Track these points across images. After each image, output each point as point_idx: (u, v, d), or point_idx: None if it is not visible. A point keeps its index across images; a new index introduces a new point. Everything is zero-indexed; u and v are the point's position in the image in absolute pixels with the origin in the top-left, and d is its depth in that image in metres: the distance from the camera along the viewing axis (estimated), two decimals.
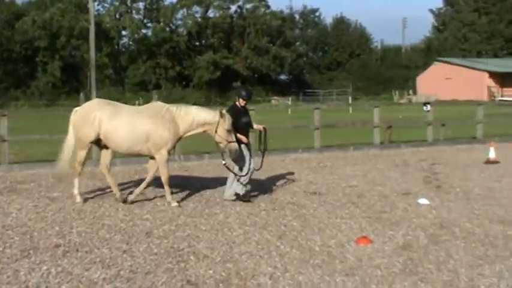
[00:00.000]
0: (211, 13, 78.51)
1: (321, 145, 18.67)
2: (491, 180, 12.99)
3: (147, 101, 54.12)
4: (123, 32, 76.00)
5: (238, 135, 10.46)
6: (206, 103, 62.40)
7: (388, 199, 10.94)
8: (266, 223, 9.04)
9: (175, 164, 15.09)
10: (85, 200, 10.60)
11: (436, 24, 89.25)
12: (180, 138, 10.65)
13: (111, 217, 9.44)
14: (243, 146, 10.61)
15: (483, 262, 7.09)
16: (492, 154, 15.97)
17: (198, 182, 12.66)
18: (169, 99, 54.38)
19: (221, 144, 10.39)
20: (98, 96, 38.00)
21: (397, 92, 68.19)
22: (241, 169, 10.66)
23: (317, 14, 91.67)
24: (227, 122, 10.17)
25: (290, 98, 63.58)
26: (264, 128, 11.23)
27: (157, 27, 73.99)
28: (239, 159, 10.60)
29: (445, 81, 64.99)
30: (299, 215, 9.57)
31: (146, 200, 10.70)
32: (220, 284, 6.28)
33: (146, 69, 71.62)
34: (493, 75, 63.06)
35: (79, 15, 65.93)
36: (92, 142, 10.56)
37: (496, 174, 13.78)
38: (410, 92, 69.34)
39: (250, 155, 10.74)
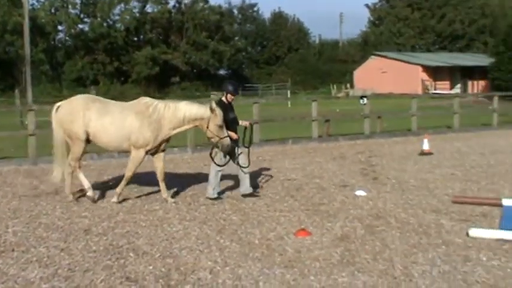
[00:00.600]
0: (149, 8, 77.66)
1: (260, 139, 18.78)
2: (425, 171, 13.36)
3: None
4: (59, 27, 74.23)
5: (228, 131, 10.16)
6: None
7: (326, 191, 11.11)
8: (206, 218, 9.07)
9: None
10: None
11: (372, 19, 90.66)
12: (169, 139, 10.45)
13: (48, 215, 9.28)
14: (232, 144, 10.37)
15: (417, 250, 7.30)
16: (426, 146, 16.42)
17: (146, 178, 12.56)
18: (107, 96, 53.83)
19: (213, 140, 10.17)
20: (34, 93, 37.13)
21: (335, 86, 68.98)
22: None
23: (255, 8, 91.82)
24: (218, 117, 9.95)
25: None
26: (251, 124, 11.07)
27: (95, 23, 72.55)
28: (229, 156, 10.44)
29: (381, 75, 66.16)
30: (238, 209, 9.63)
31: (84, 196, 10.56)
32: (160, 280, 6.28)
33: (84, 65, 70.21)
34: (426, 69, 64.53)
35: (12, 9, 63.93)
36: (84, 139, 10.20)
37: (430, 165, 14.18)
38: (348, 85, 70.29)
39: (247, 153, 10.59)
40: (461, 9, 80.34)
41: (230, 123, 10.37)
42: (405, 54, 71.87)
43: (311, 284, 6.15)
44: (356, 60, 79.35)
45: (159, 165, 10.42)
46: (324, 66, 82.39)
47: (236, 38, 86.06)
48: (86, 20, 75.41)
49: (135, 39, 77.62)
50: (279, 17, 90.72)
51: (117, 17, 75.40)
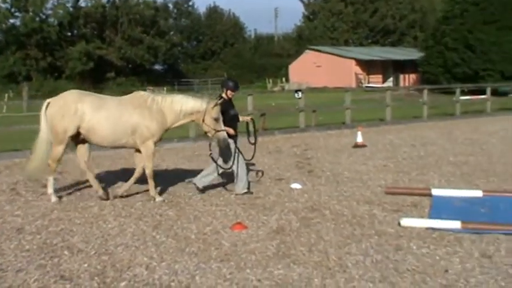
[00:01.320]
0: (82, 3, 76.24)
1: (196, 134, 18.75)
2: (358, 163, 13.63)
3: (17, 93, 52.23)
4: None
5: (226, 128, 9.96)
6: None
7: (262, 185, 11.20)
8: (142, 214, 9.01)
9: None
10: (60, 198, 10.06)
11: (306, 14, 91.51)
12: (167, 130, 10.23)
13: None
14: (230, 140, 10.18)
15: (351, 241, 7.45)
16: (359, 138, 16.75)
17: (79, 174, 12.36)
18: (41, 92, 52.61)
19: (209, 134, 10.02)
20: None
21: (270, 80, 69.45)
22: (225, 161, 10.36)
23: (190, 3, 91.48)
24: (215, 110, 9.78)
25: (165, 88, 63.08)
26: (252, 119, 10.96)
27: (27, 17, 70.54)
28: (225, 151, 10.28)
29: (316, 69, 66.94)
30: (175, 204, 9.61)
31: (17, 195, 10.33)
32: (96, 277, 6.21)
33: (16, 60, 68.27)
34: (359, 62, 65.63)
35: None
36: (70, 136, 9.80)
37: (363, 158, 14.47)
38: (283, 80, 70.83)
39: (237, 149, 10.33)
40: (392, 5, 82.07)
41: (231, 119, 10.24)
42: (339, 49, 72.91)
43: (247, 277, 6.21)
44: (291, 54, 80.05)
45: (139, 162, 10.20)
46: (259, 60, 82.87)
47: (171, 33, 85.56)
48: (17, 14, 73.28)
49: (69, 34, 76.04)
50: (214, 12, 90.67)
51: (49, 12, 73.63)
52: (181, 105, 9.90)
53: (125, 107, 9.89)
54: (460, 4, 48.48)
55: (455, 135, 19.28)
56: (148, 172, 9.97)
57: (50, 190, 10.02)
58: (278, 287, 5.96)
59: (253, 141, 10.81)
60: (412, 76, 63.09)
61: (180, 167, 13.43)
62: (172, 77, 76.83)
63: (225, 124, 9.97)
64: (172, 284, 6.05)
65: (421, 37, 64.15)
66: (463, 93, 32.07)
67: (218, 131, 9.80)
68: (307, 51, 71.98)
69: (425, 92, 26.83)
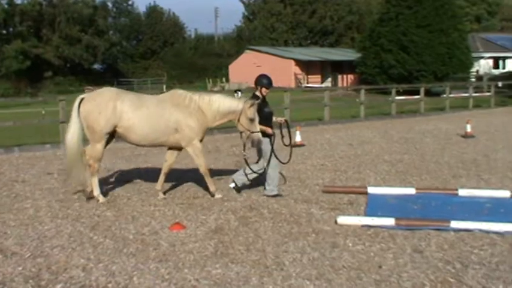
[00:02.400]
0: (18, 0, 74.40)
1: None
2: (297, 162, 13.75)
3: None
4: None
5: (262, 126, 9.83)
6: (15, 94, 59.30)
7: (200, 185, 11.20)
8: (79, 215, 8.90)
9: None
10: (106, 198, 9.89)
11: (246, 14, 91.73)
12: (206, 130, 10.11)
13: None
14: (266, 139, 9.99)
15: (288, 239, 7.56)
16: (298, 138, 16.93)
17: (14, 175, 12.08)
18: None
19: (243, 134, 9.87)
20: None
21: (210, 80, 69.38)
22: (257, 162, 10.24)
23: (130, 2, 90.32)
24: (251, 110, 9.61)
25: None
26: (286, 121, 10.69)
27: None
28: (259, 152, 10.17)
29: (256, 69, 66.77)
30: (113, 205, 9.53)
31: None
32: (30, 280, 6.12)
33: None
34: (298, 63, 66.14)
35: None
36: (107, 134, 9.63)
37: (302, 157, 14.63)
38: (223, 79, 70.84)
39: (273, 150, 10.04)
40: (330, 6, 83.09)
41: (265, 118, 10.04)
42: (279, 49, 73.35)
43: (185, 277, 6.23)
44: (231, 54, 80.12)
45: (170, 159, 10.15)
46: (199, 60, 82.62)
47: (110, 32, 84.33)
48: None
49: (4, 32, 74.04)
50: (154, 11, 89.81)
51: None
52: (218, 105, 9.80)
53: (164, 106, 9.74)
54: (395, 7, 49.47)
55: (390, 134, 19.71)
56: (203, 170, 9.96)
57: (97, 191, 9.80)
58: (216, 286, 6.00)
59: (288, 143, 10.52)
60: (350, 76, 64.00)
61: (117, 167, 13.28)
62: (111, 77, 75.89)
63: (260, 123, 9.83)
64: (110, 285, 6.02)
65: (358, 38, 65.11)
66: (398, 93, 32.82)
67: (253, 132, 9.68)
68: (247, 51, 72.12)
69: (363, 92, 27.31)
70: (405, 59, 48.22)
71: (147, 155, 15.45)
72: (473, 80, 47.95)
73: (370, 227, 8.02)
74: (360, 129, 21.72)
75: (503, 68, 62.57)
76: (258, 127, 9.68)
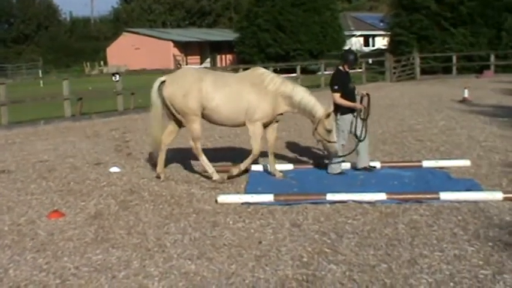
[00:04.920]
0: None
1: (8, 121, 17.87)
2: (177, 143, 13.72)
3: None
4: None
5: (351, 103, 9.76)
6: None
7: (79, 171, 10.97)
8: None
9: None
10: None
11: None
12: (277, 115, 9.69)
13: None
14: (349, 116, 9.87)
15: (169, 221, 7.58)
16: None
17: None
18: None
19: (319, 143, 9.55)
20: None
21: (88, 64, 67.55)
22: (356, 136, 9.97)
23: None
24: (329, 121, 9.22)
25: None
26: (367, 94, 10.07)
27: None
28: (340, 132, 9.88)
29: (134, 51, 66.14)
30: None
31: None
32: None
33: None
34: (177, 44, 65.75)
35: None
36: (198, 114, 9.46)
37: (182, 138, 14.57)
38: (102, 63, 69.18)
39: (364, 125, 9.88)
40: None
41: (349, 92, 9.87)
42: (157, 31, 72.54)
43: (64, 266, 6.11)
44: (108, 37, 78.30)
45: (271, 136, 9.76)
46: (76, 43, 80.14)
47: None
48: None
49: None
50: None
51: None
52: (301, 98, 9.45)
53: (243, 85, 9.45)
54: None
55: None
56: (254, 153, 9.61)
57: (210, 169, 9.74)
58: (96, 272, 5.93)
59: (364, 117, 10.04)
60: (229, 56, 64.44)
61: None
62: None
63: (345, 97, 9.74)
64: None
65: (235, 18, 65.52)
66: (276, 71, 33.33)
67: (330, 142, 9.41)
68: (124, 33, 70.76)
69: (240, 71, 27.53)
70: (282, 38, 49.13)
71: (23, 142, 14.88)
72: None
73: (250, 204, 8.18)
74: None
75: (373, 45, 65.36)
76: (335, 137, 9.50)
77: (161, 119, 9.86)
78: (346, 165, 10.23)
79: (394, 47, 40.86)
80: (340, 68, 10.08)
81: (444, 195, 8.06)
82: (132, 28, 72.73)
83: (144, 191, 9.22)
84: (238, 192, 8.93)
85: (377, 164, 10.31)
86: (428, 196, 8.13)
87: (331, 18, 50.63)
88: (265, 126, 9.72)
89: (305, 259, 6.11)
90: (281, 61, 43.72)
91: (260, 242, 6.66)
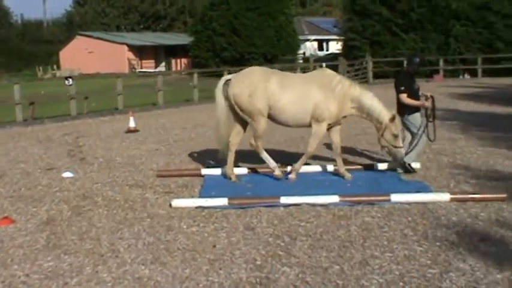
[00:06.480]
0: None
1: None
2: (131, 148, 13.69)
3: None
4: None
5: (418, 102, 9.98)
6: None
7: (31, 176, 10.81)
8: None
9: None
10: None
11: None
12: (342, 118, 9.60)
13: None
14: (418, 114, 10.09)
15: (123, 226, 7.54)
16: (132, 123, 16.81)
17: None
18: None
19: (386, 149, 9.40)
20: None
21: (41, 68, 66.45)
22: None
23: None
24: (396, 126, 9.09)
25: None
26: (432, 96, 10.14)
27: None
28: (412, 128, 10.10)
29: (88, 55, 65.36)
30: None
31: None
32: None
33: None
34: (132, 48, 65.25)
35: None
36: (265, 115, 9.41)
37: (136, 142, 14.55)
38: (55, 66, 68.11)
39: (426, 126, 10.08)
40: None
41: (415, 93, 10.04)
42: (111, 34, 71.78)
43: (14, 274, 6.01)
44: (62, 40, 77.13)
45: (335, 139, 9.61)
46: (28, 47, 78.59)
47: None
48: None
49: None
50: None
51: None
52: (370, 103, 9.34)
53: (310, 86, 9.33)
54: None
55: None
56: (310, 151, 9.61)
57: (273, 164, 9.73)
58: (48, 279, 5.86)
59: (431, 120, 10.22)
60: (184, 60, 64.18)
61: None
62: None
63: (411, 98, 9.93)
64: None
65: (190, 22, 65.34)
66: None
67: (397, 147, 9.34)
68: (78, 36, 69.84)
69: (195, 75, 27.51)
70: (237, 42, 49.26)
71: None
72: (300, 61, 50.04)
73: (204, 208, 8.18)
74: (194, 113, 21.92)
75: (327, 50, 66.06)
76: (401, 142, 9.50)
77: (227, 119, 9.78)
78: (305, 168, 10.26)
79: (348, 51, 41.43)
80: (405, 70, 10.47)
81: (395, 197, 8.23)
82: (85, 31, 71.79)
83: (97, 196, 9.14)
84: (192, 196, 8.93)
85: (330, 168, 10.42)
86: (379, 198, 8.28)
87: (286, 22, 51.01)
88: (329, 128, 9.69)
89: (259, 262, 6.15)
90: (236, 65, 43.76)
91: (214, 246, 6.68)
